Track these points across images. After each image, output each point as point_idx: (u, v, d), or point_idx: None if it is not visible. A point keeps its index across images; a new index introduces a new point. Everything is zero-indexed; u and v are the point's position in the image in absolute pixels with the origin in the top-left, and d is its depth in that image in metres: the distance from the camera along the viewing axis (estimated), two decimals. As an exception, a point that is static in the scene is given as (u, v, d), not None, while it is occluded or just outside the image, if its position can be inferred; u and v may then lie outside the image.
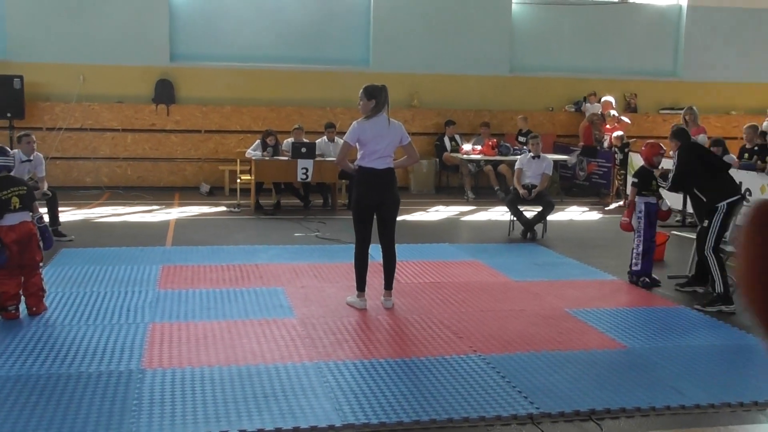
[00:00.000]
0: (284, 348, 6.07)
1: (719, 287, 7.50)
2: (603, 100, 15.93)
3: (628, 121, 15.61)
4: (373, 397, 5.16)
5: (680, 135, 8.15)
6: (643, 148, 8.75)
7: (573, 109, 17.24)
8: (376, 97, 6.97)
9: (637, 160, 13.70)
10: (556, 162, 13.76)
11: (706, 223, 7.65)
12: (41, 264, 6.94)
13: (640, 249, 8.34)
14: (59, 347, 5.96)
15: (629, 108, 17.45)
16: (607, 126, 15.22)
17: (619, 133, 14.50)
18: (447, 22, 16.42)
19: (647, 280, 8.28)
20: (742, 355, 6.32)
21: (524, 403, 5.13)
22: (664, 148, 8.57)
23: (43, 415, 4.73)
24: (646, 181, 8.45)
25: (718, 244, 7.56)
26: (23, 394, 5.04)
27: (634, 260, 8.38)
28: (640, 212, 8.39)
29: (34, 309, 6.75)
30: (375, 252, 7.39)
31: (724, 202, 7.56)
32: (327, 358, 5.85)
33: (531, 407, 5.07)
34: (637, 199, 8.43)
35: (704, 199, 7.68)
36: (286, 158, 12.83)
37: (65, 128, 14.67)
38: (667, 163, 9.21)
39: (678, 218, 12.38)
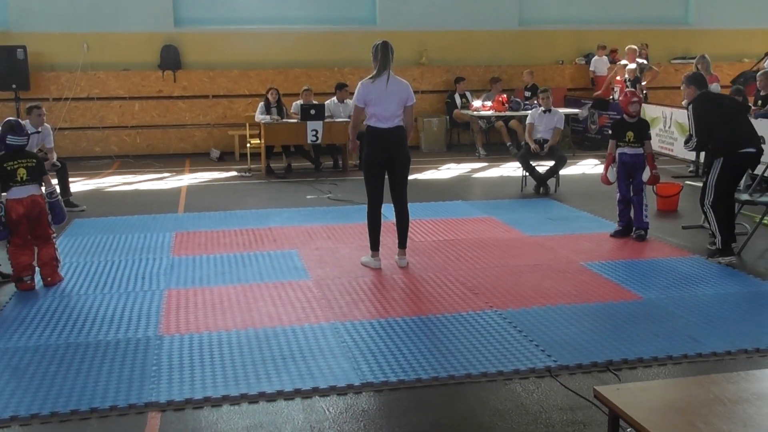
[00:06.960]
0: (300, 310, 6.07)
1: (719, 243, 7.36)
2: (628, 48, 15.38)
3: (657, 70, 15.52)
4: (391, 355, 5.16)
5: (695, 80, 7.72)
6: (620, 98, 8.43)
7: (583, 62, 17.00)
8: (375, 55, 6.94)
9: (649, 112, 13.56)
10: (567, 116, 13.62)
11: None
12: (53, 236, 6.93)
13: (617, 200, 8.33)
14: (76, 316, 5.99)
15: (641, 57, 17.14)
16: (618, 78, 15.01)
17: (633, 66, 14.32)
18: (453, -25, 16.18)
19: (642, 233, 8.18)
20: (758, 303, 6.28)
21: (542, 356, 5.13)
22: (638, 96, 8.29)
23: (63, 384, 4.75)
24: (620, 132, 8.26)
25: (717, 198, 7.27)
26: (42, 364, 5.06)
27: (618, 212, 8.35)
28: (615, 164, 8.30)
29: (49, 279, 6.77)
30: (388, 211, 7.36)
31: (722, 158, 7.23)
32: (343, 319, 5.86)
33: (549, 360, 5.07)
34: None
35: (710, 147, 7.41)
36: (295, 120, 12.76)
37: (72, 98, 14.62)
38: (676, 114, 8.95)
39: (691, 169, 12.27)
